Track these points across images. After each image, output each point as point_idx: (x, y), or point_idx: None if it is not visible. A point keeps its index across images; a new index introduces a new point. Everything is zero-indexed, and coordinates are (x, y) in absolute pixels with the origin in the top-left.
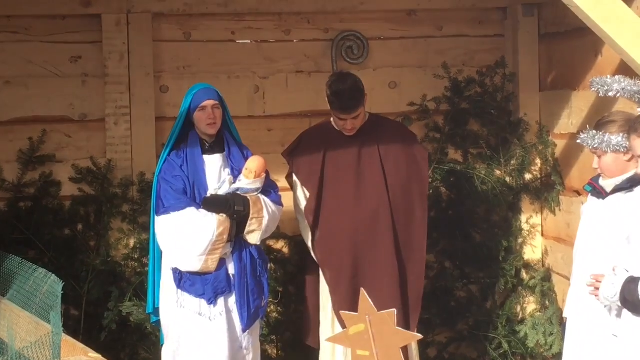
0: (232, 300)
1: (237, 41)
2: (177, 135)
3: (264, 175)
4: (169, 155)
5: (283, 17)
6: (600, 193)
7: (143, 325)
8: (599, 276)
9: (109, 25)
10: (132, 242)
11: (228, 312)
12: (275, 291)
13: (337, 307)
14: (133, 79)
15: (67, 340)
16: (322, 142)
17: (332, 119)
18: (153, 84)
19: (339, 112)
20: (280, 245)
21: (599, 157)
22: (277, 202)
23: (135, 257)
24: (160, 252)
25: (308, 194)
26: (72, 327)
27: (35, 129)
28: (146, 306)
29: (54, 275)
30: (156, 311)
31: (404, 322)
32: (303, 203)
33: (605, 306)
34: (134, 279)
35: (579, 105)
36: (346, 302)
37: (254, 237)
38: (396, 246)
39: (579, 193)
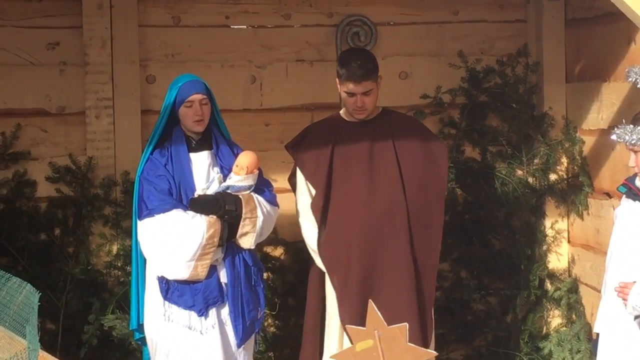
0: (225, 311)
1: (232, 26)
2: (160, 132)
3: (256, 171)
4: (151, 153)
5: (282, 0)
6: (636, 195)
7: (127, 340)
8: (628, 284)
9: (90, 8)
10: (115, 249)
11: (221, 324)
12: (272, 303)
13: (344, 318)
14: (116, 68)
15: (45, 357)
16: (330, 134)
17: (341, 111)
18: (138, 73)
19: (347, 81)
20: (278, 252)
21: (636, 153)
22: (272, 202)
23: (119, 265)
24: (144, 261)
25: (314, 191)
26: (49, 342)
27: (7, 123)
28: (129, 321)
29: (29, 284)
30: (140, 327)
31: (422, 336)
32: (308, 201)
33: (635, 318)
34: (117, 289)
35: (609, 98)
36: (354, 311)
37: (247, 241)
38: (412, 250)
39: (609, 195)
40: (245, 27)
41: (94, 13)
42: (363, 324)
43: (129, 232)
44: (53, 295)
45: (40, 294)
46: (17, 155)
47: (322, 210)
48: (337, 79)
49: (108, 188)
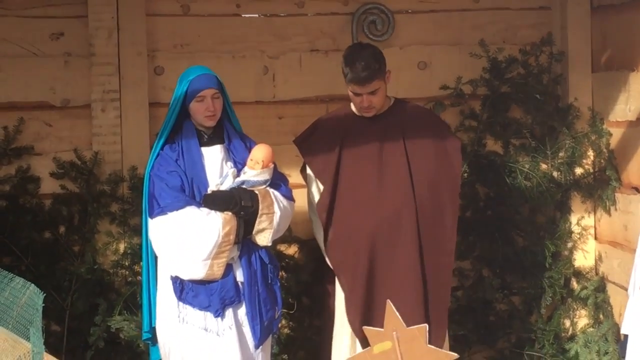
0: (242, 312)
1: (243, 15)
2: (171, 127)
3: (272, 165)
4: (161, 148)
5: None
6: None
7: (135, 342)
8: None
9: None
10: (122, 247)
11: (238, 325)
12: (286, 302)
13: (351, 319)
14: (123, 59)
15: None
16: (339, 129)
17: (352, 104)
18: (146, 64)
19: (352, 84)
20: (292, 250)
21: None
22: (289, 196)
23: (126, 264)
24: (156, 260)
25: (322, 188)
26: (54, 345)
27: (10, 116)
28: (142, 325)
29: (33, 285)
30: (153, 330)
31: (433, 338)
32: (317, 198)
33: None
34: (125, 289)
35: (637, 88)
36: (360, 312)
37: (264, 238)
38: (420, 250)
39: (637, 190)
40: (257, 15)
41: (99, 2)
42: (368, 323)
43: (136, 230)
44: (58, 296)
45: (45, 294)
46: (20, 150)
47: (329, 209)
48: (342, 73)
49: (115, 184)
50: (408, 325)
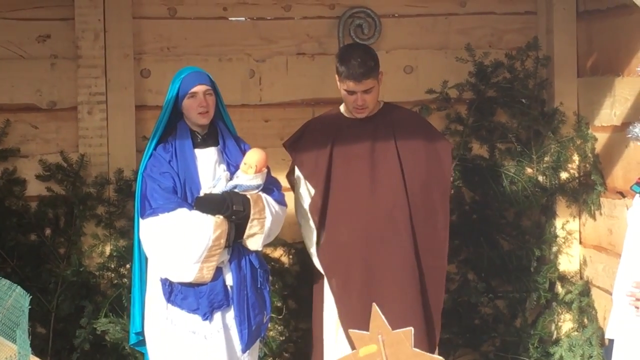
0: (230, 315)
1: (230, 18)
2: (163, 127)
3: (265, 170)
4: (154, 149)
5: None
6: None
7: (120, 344)
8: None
9: None
10: (108, 250)
11: (226, 329)
12: (276, 306)
13: (344, 323)
14: (110, 62)
15: None
16: (329, 132)
17: (341, 106)
18: (133, 67)
19: (347, 80)
20: (278, 253)
21: None
22: (281, 201)
23: (112, 266)
24: (146, 262)
25: (313, 191)
26: (39, 347)
27: None
28: (132, 327)
29: (19, 287)
30: (142, 333)
31: (427, 342)
32: (307, 202)
33: None
34: (110, 291)
35: (622, 93)
36: (354, 316)
37: (255, 242)
38: (415, 252)
39: (622, 194)
40: (243, 19)
41: (86, 4)
42: (364, 329)
43: (122, 233)
44: (44, 298)
45: (31, 296)
46: (6, 153)
47: (321, 212)
48: (336, 76)
49: (101, 186)
50: (405, 326)
